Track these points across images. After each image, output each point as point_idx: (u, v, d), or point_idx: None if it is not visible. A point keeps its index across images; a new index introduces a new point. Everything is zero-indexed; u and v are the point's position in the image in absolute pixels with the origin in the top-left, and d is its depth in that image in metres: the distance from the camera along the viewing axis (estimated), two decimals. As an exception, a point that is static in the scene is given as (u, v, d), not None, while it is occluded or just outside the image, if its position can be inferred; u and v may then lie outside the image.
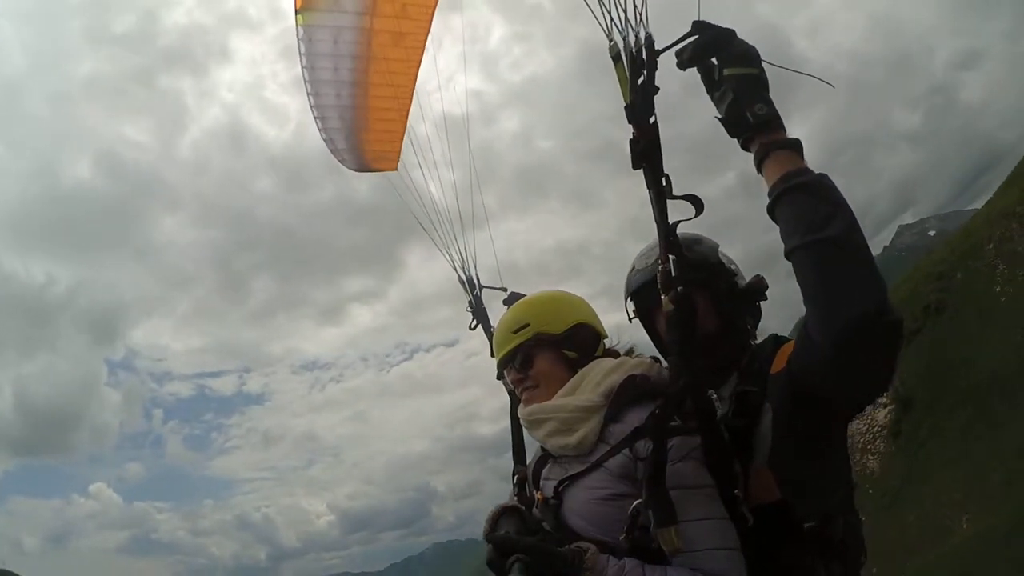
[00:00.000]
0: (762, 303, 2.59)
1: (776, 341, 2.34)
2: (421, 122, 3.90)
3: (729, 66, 1.95)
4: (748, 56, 1.95)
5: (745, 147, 1.97)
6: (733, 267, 2.54)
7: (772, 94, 1.95)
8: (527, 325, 2.41)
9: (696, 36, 1.99)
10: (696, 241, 2.51)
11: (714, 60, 1.99)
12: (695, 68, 2.03)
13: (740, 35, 1.99)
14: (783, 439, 2.11)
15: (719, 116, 1.99)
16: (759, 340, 2.51)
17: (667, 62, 2.02)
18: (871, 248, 1.85)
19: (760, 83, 1.94)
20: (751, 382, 2.27)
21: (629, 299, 2.63)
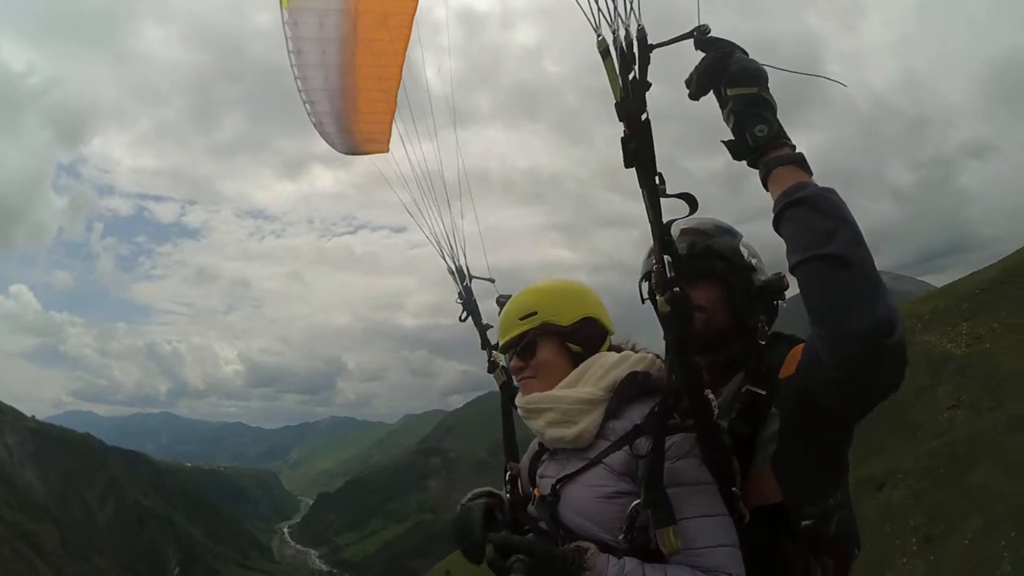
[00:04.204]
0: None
1: (789, 343, 2.30)
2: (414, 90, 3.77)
3: (729, 86, 1.91)
4: (745, 74, 1.90)
5: (752, 166, 1.94)
6: (753, 261, 2.48)
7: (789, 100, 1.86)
8: (535, 313, 2.36)
9: (697, 49, 1.95)
10: (722, 232, 2.50)
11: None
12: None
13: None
14: (790, 445, 2.10)
15: (724, 140, 1.94)
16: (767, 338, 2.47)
17: (659, 57, 1.91)
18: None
19: (759, 103, 1.89)
20: (758, 384, 2.25)
21: (643, 281, 2.59)
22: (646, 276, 2.56)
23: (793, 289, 2.37)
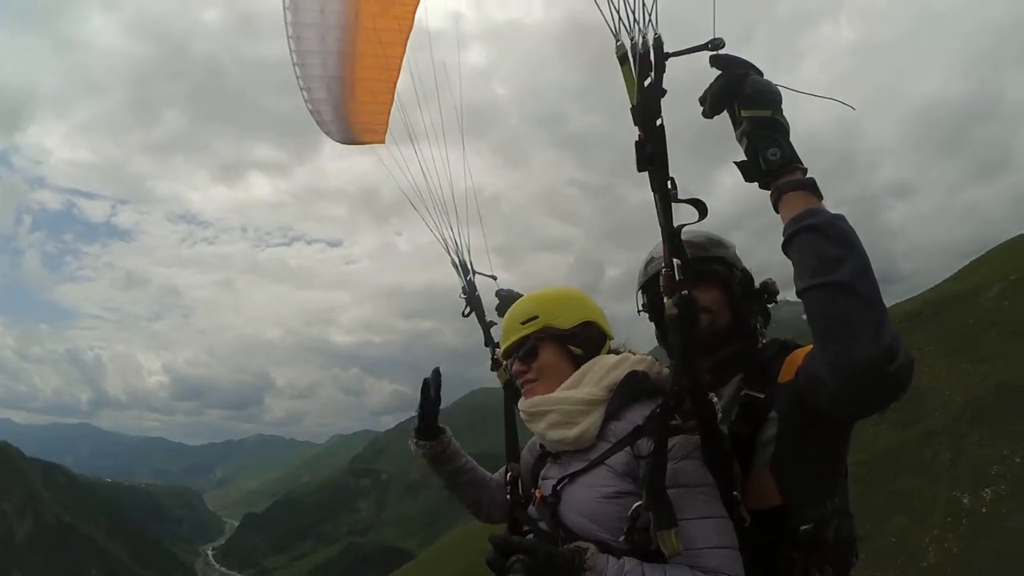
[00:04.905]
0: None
1: (784, 347, 2.37)
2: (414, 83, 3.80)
3: (743, 108, 1.95)
4: (759, 97, 1.93)
5: (764, 188, 1.98)
6: (748, 267, 2.62)
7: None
8: (536, 317, 2.43)
9: (713, 66, 1.98)
10: (716, 244, 2.59)
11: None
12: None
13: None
14: (789, 448, 2.16)
15: (736, 161, 1.98)
16: (765, 341, 2.54)
17: (675, 65, 1.97)
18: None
19: (772, 126, 1.92)
20: (756, 387, 2.31)
21: (641, 292, 2.67)
22: (644, 286, 2.63)
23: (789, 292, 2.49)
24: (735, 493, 2.07)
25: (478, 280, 3.56)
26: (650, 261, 2.62)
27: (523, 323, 2.45)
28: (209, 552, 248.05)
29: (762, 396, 2.27)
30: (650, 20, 1.95)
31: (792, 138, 1.95)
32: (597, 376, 2.29)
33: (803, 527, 2.14)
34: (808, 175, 1.93)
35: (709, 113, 2.00)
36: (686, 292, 1.96)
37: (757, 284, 2.61)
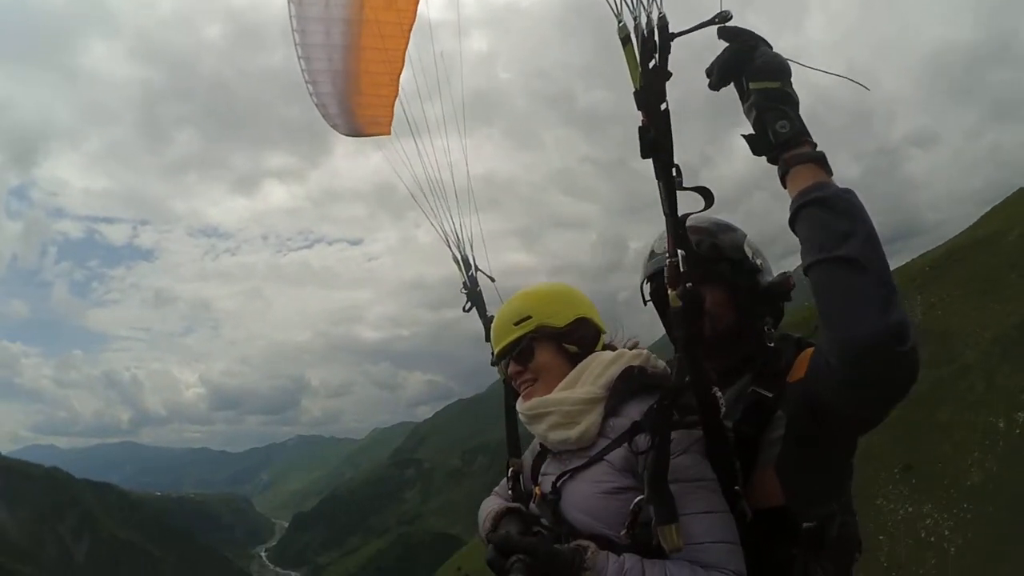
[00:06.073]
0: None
1: (797, 345, 2.30)
2: (416, 76, 3.81)
3: (752, 80, 1.87)
4: (769, 69, 1.86)
5: (772, 162, 1.90)
6: (759, 261, 2.47)
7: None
8: (529, 317, 2.36)
9: (721, 38, 1.91)
10: (725, 230, 2.48)
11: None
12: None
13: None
14: (795, 449, 2.09)
15: (744, 135, 1.91)
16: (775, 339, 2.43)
17: (679, 45, 1.88)
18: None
19: (782, 98, 1.85)
20: (765, 386, 2.23)
21: (646, 282, 2.57)
22: (650, 277, 2.54)
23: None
24: (737, 488, 2.04)
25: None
26: (652, 255, 2.54)
27: (516, 324, 2.39)
28: (263, 554, 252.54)
29: (770, 395, 2.21)
30: None
31: (804, 95, 1.88)
32: (594, 374, 2.26)
33: (805, 525, 2.08)
34: (818, 149, 1.86)
35: (716, 85, 1.93)
36: (691, 284, 1.90)
37: (772, 277, 2.49)
